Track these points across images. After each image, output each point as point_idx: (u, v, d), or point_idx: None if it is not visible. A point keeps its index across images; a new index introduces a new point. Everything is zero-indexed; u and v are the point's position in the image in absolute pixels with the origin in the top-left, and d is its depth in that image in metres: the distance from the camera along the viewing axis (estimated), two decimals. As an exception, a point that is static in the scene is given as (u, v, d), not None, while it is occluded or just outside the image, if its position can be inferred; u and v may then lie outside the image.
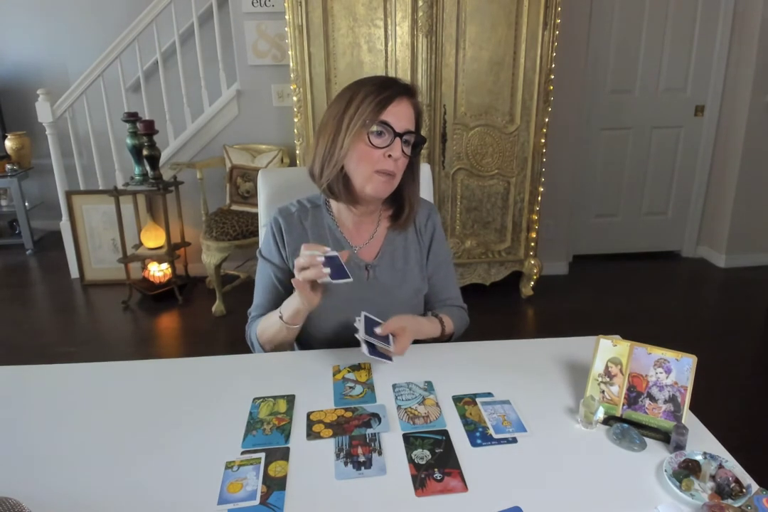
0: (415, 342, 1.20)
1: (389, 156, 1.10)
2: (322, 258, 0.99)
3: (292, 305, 1.10)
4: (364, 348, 1.04)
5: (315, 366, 1.11)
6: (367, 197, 1.16)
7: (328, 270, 0.99)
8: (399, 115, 1.10)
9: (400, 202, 1.24)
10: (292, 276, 1.23)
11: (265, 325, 1.18)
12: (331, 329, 1.20)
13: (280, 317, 1.12)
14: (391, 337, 1.09)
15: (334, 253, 1.01)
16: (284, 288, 1.24)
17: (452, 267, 1.35)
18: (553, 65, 2.75)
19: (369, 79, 1.15)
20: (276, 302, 1.24)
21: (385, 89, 1.10)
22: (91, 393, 1.04)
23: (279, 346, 1.20)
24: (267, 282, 1.24)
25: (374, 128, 1.09)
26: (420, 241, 1.29)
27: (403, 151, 1.11)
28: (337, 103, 1.13)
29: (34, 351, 2.71)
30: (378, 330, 1.07)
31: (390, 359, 1.07)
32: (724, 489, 0.77)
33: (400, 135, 1.10)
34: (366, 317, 1.08)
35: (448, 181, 2.89)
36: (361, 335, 1.04)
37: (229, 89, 3.29)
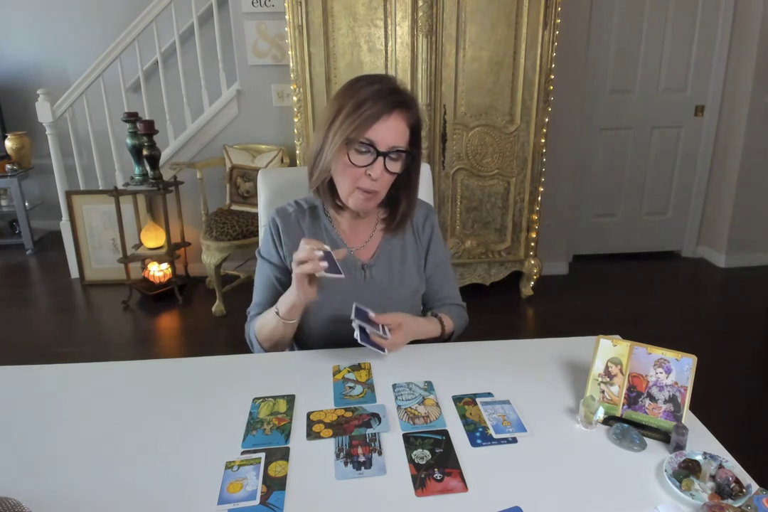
0: (415, 342, 1.21)
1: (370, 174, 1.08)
2: (321, 253, 1.00)
3: (287, 300, 1.11)
4: (357, 333, 1.04)
5: (315, 366, 1.11)
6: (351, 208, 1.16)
7: (325, 264, 0.99)
8: (386, 132, 1.06)
9: (395, 206, 1.23)
10: (291, 275, 1.24)
11: (263, 322, 1.18)
12: (328, 329, 1.20)
13: (276, 313, 1.12)
14: (386, 328, 1.09)
15: (328, 249, 1.02)
16: (283, 287, 1.24)
17: (450, 267, 1.35)
18: (553, 65, 2.75)
19: (368, 82, 1.10)
20: (275, 301, 1.24)
21: (376, 103, 1.05)
22: (91, 393, 1.04)
23: (277, 344, 1.20)
24: (266, 281, 1.25)
25: (357, 146, 1.07)
26: (418, 241, 1.29)
27: (387, 168, 1.09)
28: (330, 108, 1.11)
29: (34, 351, 2.71)
30: (371, 315, 1.07)
31: (382, 350, 1.07)
32: (724, 489, 0.77)
33: (384, 154, 1.07)
34: (357, 307, 1.07)
35: (448, 181, 2.89)
36: (355, 321, 1.04)
37: (229, 89, 3.29)
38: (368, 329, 1.05)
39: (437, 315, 1.26)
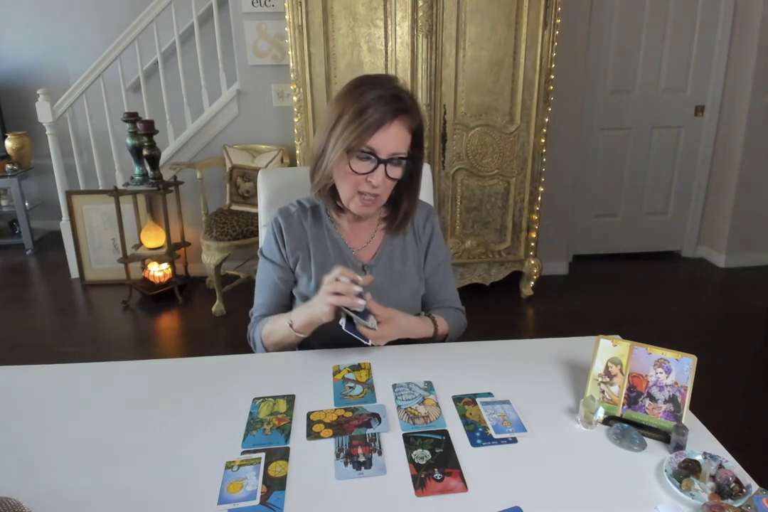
0: (414, 342, 1.21)
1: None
2: (360, 290, 1.02)
3: (305, 316, 1.11)
4: (342, 321, 1.04)
5: (315, 366, 1.11)
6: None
7: (362, 302, 1.02)
8: (387, 140, 1.06)
9: (397, 206, 1.23)
10: (294, 275, 1.24)
11: (272, 329, 1.18)
12: (329, 329, 1.20)
13: (290, 325, 1.13)
14: (374, 319, 1.08)
15: (361, 284, 1.04)
16: (286, 287, 1.25)
17: (450, 269, 1.35)
18: (553, 65, 2.75)
19: (370, 86, 1.08)
20: (278, 301, 1.25)
21: (378, 110, 1.04)
22: (91, 393, 1.04)
23: (283, 349, 1.21)
24: (269, 281, 1.25)
25: (358, 154, 1.07)
26: (418, 242, 1.29)
27: (388, 175, 1.09)
28: (332, 112, 1.10)
29: (34, 351, 2.71)
30: (362, 301, 1.07)
31: (366, 340, 1.06)
32: (724, 489, 0.77)
33: (385, 161, 1.07)
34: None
35: (448, 181, 2.89)
36: (344, 310, 1.05)
37: (229, 89, 3.29)
38: (356, 319, 1.05)
39: (431, 316, 1.26)
